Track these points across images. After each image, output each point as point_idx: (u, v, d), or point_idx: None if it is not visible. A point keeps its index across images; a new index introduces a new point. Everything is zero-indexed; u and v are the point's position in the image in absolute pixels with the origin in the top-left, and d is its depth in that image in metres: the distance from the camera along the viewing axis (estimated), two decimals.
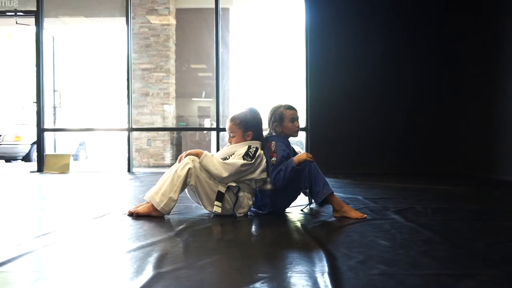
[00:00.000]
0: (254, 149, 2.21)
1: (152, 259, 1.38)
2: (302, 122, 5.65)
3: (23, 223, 2.09)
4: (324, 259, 1.39)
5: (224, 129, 7.08)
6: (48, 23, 7.31)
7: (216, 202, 2.14)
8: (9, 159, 9.20)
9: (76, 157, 10.32)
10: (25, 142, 8.89)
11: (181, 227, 1.93)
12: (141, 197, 2.87)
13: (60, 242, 1.65)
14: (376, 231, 1.85)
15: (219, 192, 2.15)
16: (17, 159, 9.41)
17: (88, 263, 1.38)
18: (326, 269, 1.28)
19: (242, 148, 2.23)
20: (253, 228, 1.96)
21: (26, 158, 9.14)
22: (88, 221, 2.11)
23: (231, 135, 2.31)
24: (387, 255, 1.47)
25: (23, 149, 9.14)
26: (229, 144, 2.35)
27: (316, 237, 1.72)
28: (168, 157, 8.10)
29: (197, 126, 9.57)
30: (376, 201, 2.75)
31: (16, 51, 16.20)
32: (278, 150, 2.25)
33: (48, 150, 7.69)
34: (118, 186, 3.96)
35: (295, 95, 6.65)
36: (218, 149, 5.77)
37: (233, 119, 2.31)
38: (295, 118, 2.37)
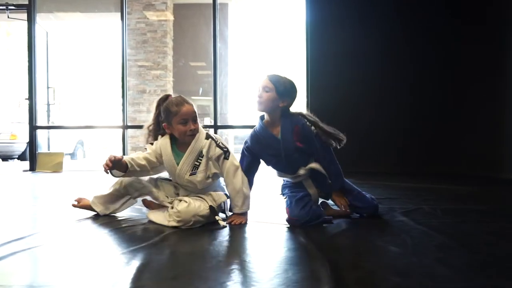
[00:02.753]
0: (218, 141, 1.95)
1: (131, 269, 1.21)
2: None
3: (3, 224, 1.92)
4: (328, 269, 1.22)
5: (222, 127, 6.91)
6: (43, 19, 7.16)
7: (217, 217, 1.88)
8: (5, 157, 9.04)
9: (73, 156, 10.15)
10: (21, 140, 8.73)
11: (169, 230, 1.76)
12: None
13: (36, 247, 1.49)
14: (384, 235, 1.69)
15: (211, 207, 1.88)
16: (13, 158, 9.25)
17: (60, 272, 1.22)
18: (331, 281, 1.11)
19: (209, 150, 1.91)
20: (249, 233, 1.79)
21: (22, 156, 8.98)
22: (71, 223, 1.95)
23: (168, 132, 1.94)
24: (399, 263, 1.30)
25: (19, 148, 8.97)
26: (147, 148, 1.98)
27: (318, 243, 1.55)
28: None
29: None
30: (381, 202, 2.58)
31: (15, 49, 16.06)
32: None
33: (45, 148, 7.53)
34: (109, 186, 3.79)
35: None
36: None
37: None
38: (259, 87, 1.93)
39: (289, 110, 2.00)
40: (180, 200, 1.88)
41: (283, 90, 1.91)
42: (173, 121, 1.87)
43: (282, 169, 2.03)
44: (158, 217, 1.93)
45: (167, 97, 1.94)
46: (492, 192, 3.28)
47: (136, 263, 1.27)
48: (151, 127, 1.99)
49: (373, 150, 5.17)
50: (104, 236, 1.68)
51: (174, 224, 1.81)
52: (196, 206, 1.84)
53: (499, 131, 4.56)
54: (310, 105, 5.25)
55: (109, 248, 1.48)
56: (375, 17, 5.23)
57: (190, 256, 1.39)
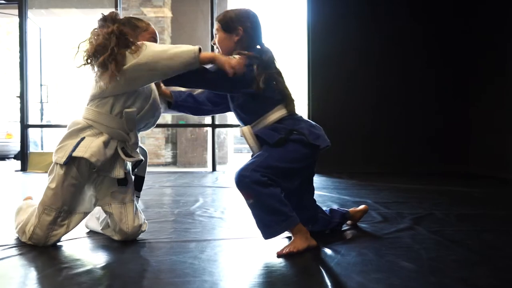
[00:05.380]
0: None
1: None
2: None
3: None
4: None
5: (221, 125, 6.71)
6: (38, 15, 6.96)
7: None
8: (0, 157, 8.88)
9: None
10: (17, 139, 8.55)
11: (145, 239, 1.57)
12: None
13: (14, 256, 1.30)
14: (395, 247, 1.48)
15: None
16: (9, 157, 9.09)
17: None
18: None
19: None
20: (241, 245, 1.59)
21: (18, 156, 8.81)
22: None
23: None
24: (415, 284, 1.10)
25: (14, 147, 8.81)
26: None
27: (319, 257, 1.35)
28: (163, 155, 7.72)
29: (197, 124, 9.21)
30: (388, 206, 2.39)
31: (15, 48, 15.92)
32: None
33: (39, 148, 7.35)
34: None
35: (297, 89, 6.30)
36: (213, 147, 5.41)
37: None
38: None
39: (259, 45, 1.62)
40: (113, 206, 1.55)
41: (227, 21, 1.59)
42: (141, 37, 1.58)
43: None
44: (93, 224, 1.71)
45: (117, 13, 1.58)
46: (506, 194, 3.07)
47: (107, 282, 1.08)
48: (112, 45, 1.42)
49: (376, 150, 5.00)
50: (76, 248, 1.49)
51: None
52: (140, 219, 1.59)
53: (507, 129, 4.37)
54: (311, 105, 5.09)
55: (76, 263, 1.29)
56: (380, 11, 5.06)
57: (170, 273, 1.20)
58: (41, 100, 6.86)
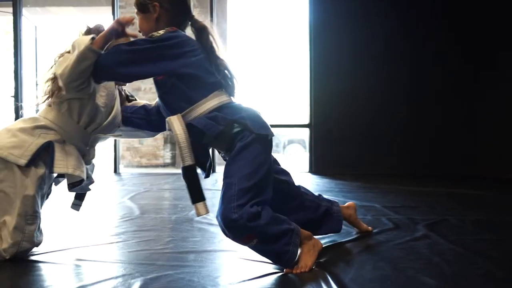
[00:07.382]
0: None
1: None
2: (305, 118, 5.26)
3: None
4: None
5: None
6: (33, 13, 6.84)
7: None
8: None
9: None
10: None
11: (147, 247, 1.44)
12: (115, 207, 2.37)
13: None
14: (413, 260, 1.35)
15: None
16: None
17: None
18: None
19: None
20: (241, 255, 1.46)
21: None
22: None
23: None
24: None
25: None
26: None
27: (332, 272, 1.23)
28: (161, 156, 7.59)
29: None
30: (398, 211, 2.26)
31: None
32: None
33: None
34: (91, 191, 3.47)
35: (298, 88, 6.20)
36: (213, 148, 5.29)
37: None
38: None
39: (188, 20, 1.49)
40: None
41: (140, 1, 1.45)
42: None
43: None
44: None
45: (101, 26, 1.51)
46: None
47: None
48: None
49: (380, 151, 4.89)
50: (54, 261, 1.36)
51: None
52: None
53: None
54: (313, 100, 4.98)
55: (65, 280, 1.16)
56: (384, 10, 4.97)
57: None
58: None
